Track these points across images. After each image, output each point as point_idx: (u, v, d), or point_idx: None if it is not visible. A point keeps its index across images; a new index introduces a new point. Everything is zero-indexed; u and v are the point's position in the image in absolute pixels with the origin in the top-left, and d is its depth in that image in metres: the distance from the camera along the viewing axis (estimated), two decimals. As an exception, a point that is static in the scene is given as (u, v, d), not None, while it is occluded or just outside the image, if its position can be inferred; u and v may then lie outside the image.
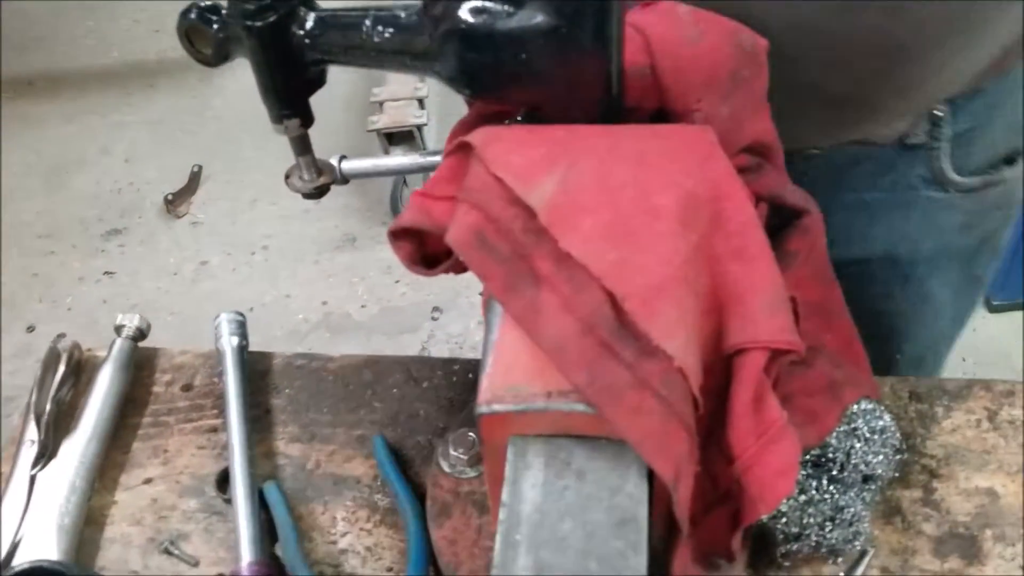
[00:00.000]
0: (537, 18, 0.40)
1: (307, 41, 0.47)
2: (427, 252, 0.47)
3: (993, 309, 1.79)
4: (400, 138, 2.00)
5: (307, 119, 0.51)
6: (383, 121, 1.93)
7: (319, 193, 0.56)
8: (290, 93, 0.50)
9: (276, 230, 2.06)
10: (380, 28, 0.45)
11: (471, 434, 0.53)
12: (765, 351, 0.41)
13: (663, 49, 0.46)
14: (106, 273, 2.00)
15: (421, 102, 1.95)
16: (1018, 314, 1.80)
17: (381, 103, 1.96)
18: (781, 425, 0.41)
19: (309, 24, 0.47)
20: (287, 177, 0.55)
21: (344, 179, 0.68)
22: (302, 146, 0.53)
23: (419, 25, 0.43)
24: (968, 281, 0.78)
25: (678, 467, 0.38)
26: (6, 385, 1.73)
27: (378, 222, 2.08)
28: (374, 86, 2.00)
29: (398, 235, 0.46)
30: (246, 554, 0.49)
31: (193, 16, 0.50)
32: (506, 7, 0.40)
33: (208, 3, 0.50)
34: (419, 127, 1.93)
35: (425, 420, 0.57)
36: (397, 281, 1.94)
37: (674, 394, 0.39)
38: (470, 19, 0.41)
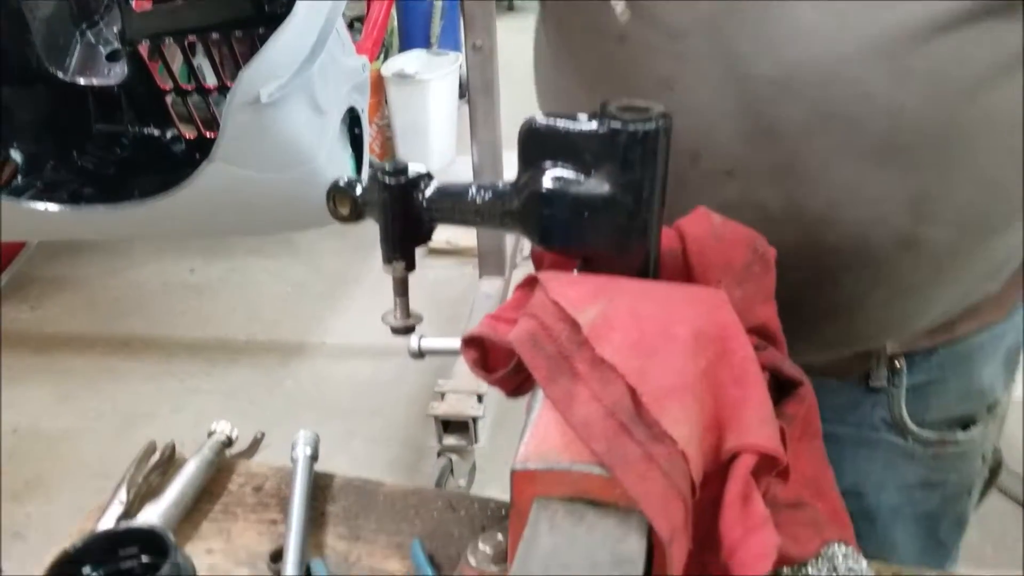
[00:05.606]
0: (600, 187, 0.54)
1: (425, 204, 0.63)
2: (488, 362, 0.59)
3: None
4: (455, 427, 2.09)
5: (411, 265, 0.65)
6: (442, 409, 2.05)
7: (406, 331, 0.68)
8: (403, 242, 0.64)
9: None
10: (482, 193, 0.60)
11: (499, 535, 0.60)
12: (755, 454, 0.50)
13: (693, 240, 0.60)
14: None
15: (480, 397, 2.07)
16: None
17: (443, 393, 2.08)
18: (764, 518, 0.49)
19: (429, 192, 0.63)
20: (384, 316, 0.68)
21: (421, 354, 0.81)
22: (402, 288, 0.66)
23: (510, 191, 0.58)
24: (933, 545, 0.84)
25: (674, 529, 0.46)
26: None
27: None
28: (440, 378, 2.14)
29: (468, 343, 0.58)
30: (289, 604, 0.56)
31: (341, 184, 0.66)
32: (579, 176, 0.55)
33: (352, 177, 0.67)
34: (475, 419, 2.04)
35: (459, 539, 0.65)
36: None
37: (676, 472, 0.48)
38: (550, 185, 0.55)
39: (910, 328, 0.72)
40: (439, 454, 2.09)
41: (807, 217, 0.61)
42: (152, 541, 0.51)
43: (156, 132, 2.07)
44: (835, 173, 0.61)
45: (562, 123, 0.54)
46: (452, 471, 2.11)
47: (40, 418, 2.49)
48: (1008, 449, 2.21)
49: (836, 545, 0.55)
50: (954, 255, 0.65)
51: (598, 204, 0.54)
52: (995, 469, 0.88)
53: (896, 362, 0.75)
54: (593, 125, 0.53)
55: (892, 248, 0.63)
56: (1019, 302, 0.79)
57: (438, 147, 3.86)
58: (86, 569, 0.52)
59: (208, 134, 2.03)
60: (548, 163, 0.55)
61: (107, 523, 0.64)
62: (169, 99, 2.01)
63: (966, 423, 0.80)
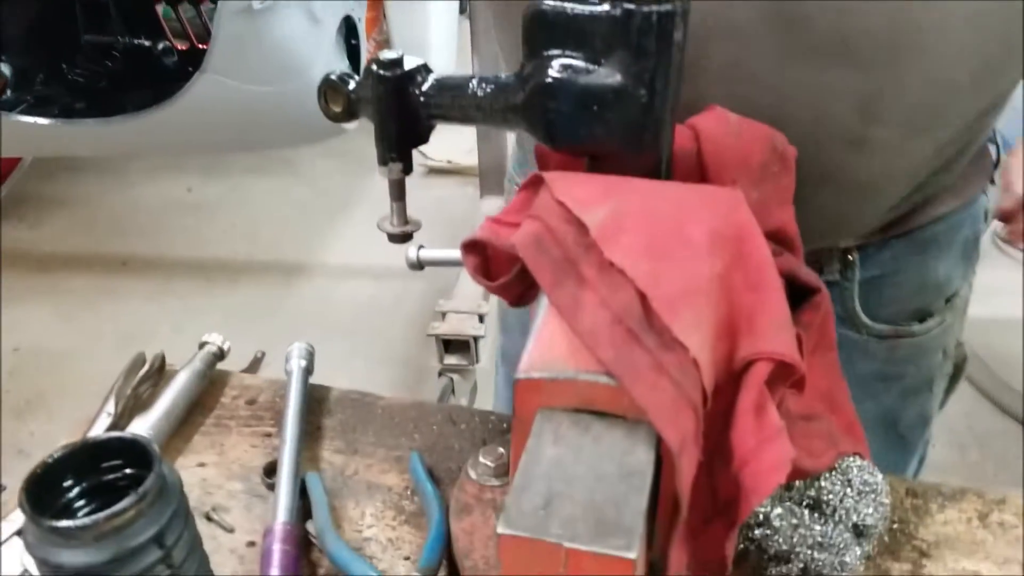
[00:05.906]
0: (611, 76, 0.50)
1: (422, 99, 0.58)
2: (490, 268, 0.56)
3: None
4: (456, 346, 2.07)
5: (408, 167, 0.61)
6: (443, 329, 2.02)
7: (403, 238, 0.65)
8: (400, 141, 0.60)
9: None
10: (483, 86, 0.56)
11: (500, 448, 0.58)
12: (770, 362, 0.47)
13: (708, 139, 0.56)
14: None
15: (481, 317, 2.04)
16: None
17: (444, 313, 2.05)
18: (778, 428, 0.46)
19: (426, 86, 0.58)
20: (380, 222, 0.65)
21: (420, 265, 0.78)
22: (398, 191, 0.63)
23: (514, 83, 0.54)
24: (894, 441, 0.82)
25: (684, 439, 0.44)
26: None
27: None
28: (441, 298, 2.11)
29: (469, 248, 0.55)
30: (281, 515, 0.54)
31: (333, 78, 0.62)
32: (588, 66, 0.51)
33: (345, 72, 0.62)
34: (475, 338, 2.01)
35: (459, 452, 0.63)
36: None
37: (687, 381, 0.45)
38: (557, 75, 0.51)
39: (863, 225, 0.71)
40: (440, 374, 2.08)
41: (755, 116, 0.59)
42: (136, 452, 0.49)
43: (147, 43, 2.01)
44: (783, 72, 0.59)
45: (571, 5, 0.50)
46: (453, 391, 2.10)
47: (41, 337, 2.48)
48: (1008, 369, 2.21)
49: (851, 458, 0.53)
50: (905, 154, 0.64)
51: (608, 96, 0.51)
52: (960, 364, 0.86)
53: (849, 255, 0.73)
54: (605, 7, 0.49)
55: (841, 147, 0.63)
56: (977, 191, 0.77)
57: (438, 63, 3.77)
58: (68, 481, 0.50)
59: (201, 46, 1.97)
60: (555, 51, 0.51)
61: (96, 432, 0.62)
62: (160, 8, 1.94)
63: (922, 316, 0.78)
